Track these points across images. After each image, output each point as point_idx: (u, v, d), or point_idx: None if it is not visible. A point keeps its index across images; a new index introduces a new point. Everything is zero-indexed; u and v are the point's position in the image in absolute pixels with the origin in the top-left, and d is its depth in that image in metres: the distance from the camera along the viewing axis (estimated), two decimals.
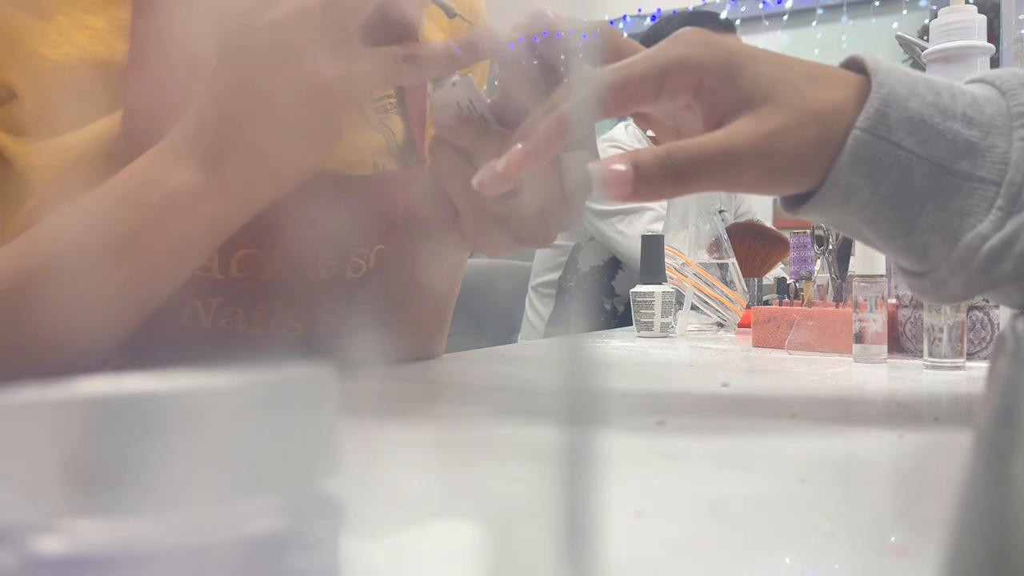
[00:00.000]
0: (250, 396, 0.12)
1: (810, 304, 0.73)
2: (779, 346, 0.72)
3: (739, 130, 0.34)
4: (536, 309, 1.64)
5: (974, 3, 0.66)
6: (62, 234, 0.41)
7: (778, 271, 1.22)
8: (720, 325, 0.94)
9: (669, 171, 0.34)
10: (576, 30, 0.41)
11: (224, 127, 0.39)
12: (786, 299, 0.79)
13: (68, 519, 0.11)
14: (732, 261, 0.97)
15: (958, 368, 0.54)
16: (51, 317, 0.39)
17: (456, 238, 0.45)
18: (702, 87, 0.35)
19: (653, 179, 0.34)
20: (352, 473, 0.15)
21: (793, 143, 0.34)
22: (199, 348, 0.49)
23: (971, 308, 0.59)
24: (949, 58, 0.64)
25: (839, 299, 0.73)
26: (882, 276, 0.60)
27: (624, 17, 3.25)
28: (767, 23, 3.06)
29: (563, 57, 0.40)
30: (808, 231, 0.79)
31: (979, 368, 0.55)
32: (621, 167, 0.34)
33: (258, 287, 0.50)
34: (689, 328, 0.93)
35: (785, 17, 3.04)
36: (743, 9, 3.06)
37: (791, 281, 0.80)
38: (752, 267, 1.07)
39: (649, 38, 1.49)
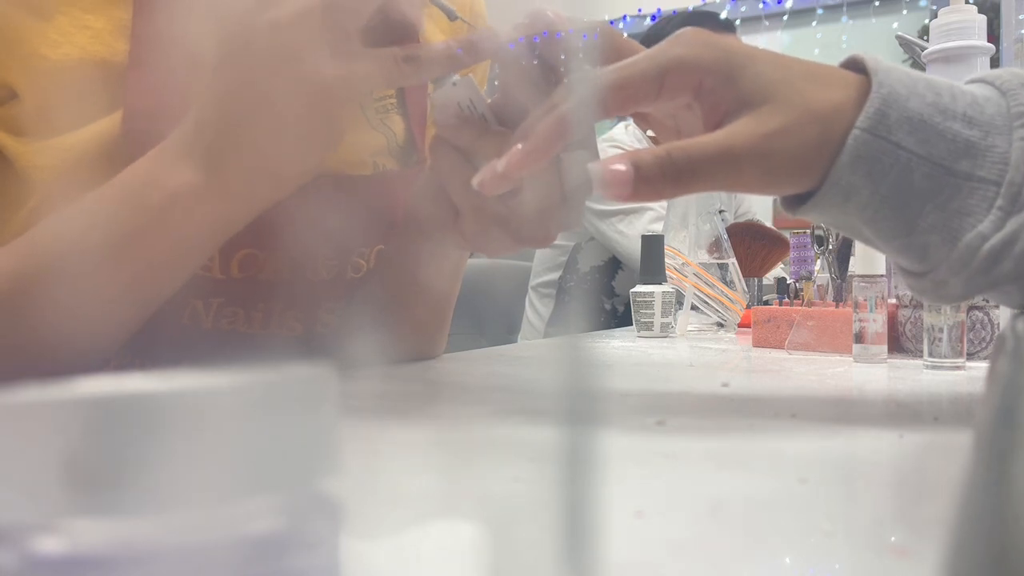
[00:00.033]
0: (250, 396, 0.12)
1: (810, 304, 0.73)
2: (779, 346, 0.72)
3: (739, 130, 0.34)
4: (536, 309, 1.64)
5: (974, 3, 0.66)
6: (63, 234, 0.41)
7: (778, 271, 1.22)
8: (720, 325, 0.94)
9: (669, 171, 0.34)
10: (576, 30, 0.41)
11: (224, 127, 0.39)
12: (786, 299, 0.79)
13: (68, 519, 0.11)
14: (732, 261, 0.97)
15: (958, 368, 0.54)
16: (52, 318, 0.39)
17: (456, 238, 0.45)
18: (702, 87, 0.35)
19: (653, 179, 0.34)
20: (352, 473, 0.15)
21: (793, 143, 0.34)
22: (199, 348, 0.49)
23: (971, 308, 0.59)
24: (949, 58, 0.64)
25: (839, 299, 0.73)
26: (882, 276, 0.60)
27: (624, 17, 3.25)
28: (767, 23, 3.06)
29: (563, 57, 0.40)
30: (808, 231, 0.79)
31: (979, 368, 0.55)
32: (621, 167, 0.34)
33: (258, 287, 0.50)
34: (689, 328, 0.93)
35: (785, 17, 3.04)
36: (743, 9, 3.06)
37: (791, 281, 0.80)
38: (752, 267, 1.07)
39: (649, 38, 1.49)
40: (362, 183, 0.54)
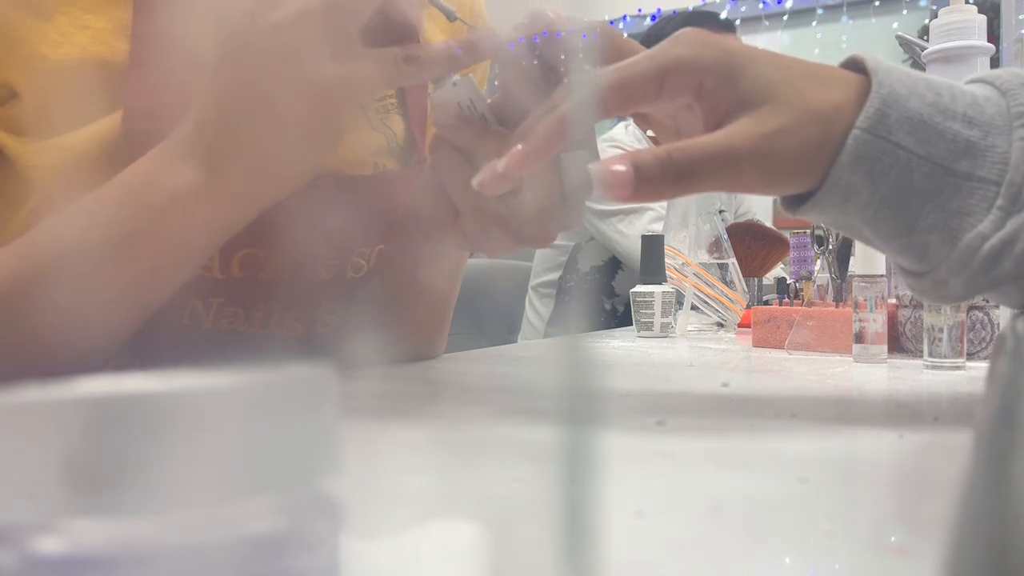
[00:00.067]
0: (250, 396, 0.12)
1: (810, 304, 0.73)
2: (779, 346, 0.72)
3: (739, 130, 0.34)
4: (536, 309, 1.64)
5: (974, 3, 0.66)
6: (63, 235, 0.41)
7: (778, 271, 1.22)
8: (720, 325, 0.94)
9: (670, 171, 0.34)
10: (576, 30, 0.41)
11: (224, 127, 0.39)
12: (786, 299, 0.79)
13: (68, 519, 0.11)
14: (732, 261, 0.97)
15: (958, 368, 0.54)
16: (51, 318, 0.39)
17: (456, 238, 0.45)
18: (702, 88, 0.35)
19: (653, 180, 0.34)
20: (352, 473, 0.15)
21: (793, 143, 0.34)
22: (199, 348, 0.49)
23: (971, 308, 0.59)
24: (949, 58, 0.64)
25: (839, 299, 0.73)
26: (882, 276, 0.60)
27: (624, 17, 3.25)
28: (767, 23, 3.06)
29: (563, 57, 0.40)
30: (808, 231, 0.79)
31: (979, 368, 0.55)
32: (621, 168, 0.34)
33: (258, 287, 0.50)
34: (689, 328, 0.93)
35: (785, 17, 3.04)
36: (743, 9, 3.06)
37: (791, 281, 0.80)
38: (752, 267, 1.07)
39: (649, 38, 1.49)
40: (362, 183, 0.54)
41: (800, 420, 0.37)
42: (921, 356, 0.56)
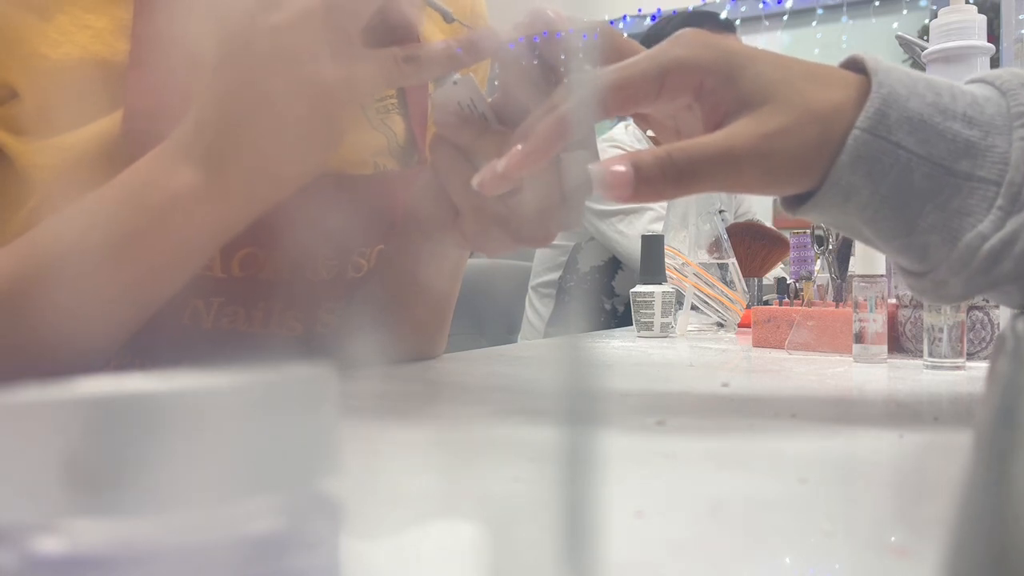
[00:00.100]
0: (250, 396, 0.12)
1: (810, 304, 0.73)
2: (779, 346, 0.72)
3: (739, 131, 0.34)
4: (536, 309, 1.64)
5: (974, 3, 0.66)
6: (63, 235, 0.41)
7: (778, 271, 1.22)
8: (720, 325, 0.94)
9: (670, 172, 0.34)
10: (576, 30, 0.41)
11: (224, 127, 0.39)
12: (786, 299, 0.79)
13: (68, 519, 0.11)
14: (732, 261, 0.97)
15: (958, 368, 0.54)
16: (52, 318, 0.39)
17: (456, 238, 0.45)
18: (702, 88, 0.35)
19: (654, 180, 0.34)
20: (352, 473, 0.15)
21: (793, 143, 0.34)
22: (199, 347, 0.49)
23: (971, 308, 0.59)
24: (949, 58, 0.64)
25: (839, 299, 0.73)
26: (882, 276, 0.60)
27: (624, 17, 3.25)
28: (767, 23, 3.06)
29: (563, 57, 0.40)
30: (808, 231, 0.79)
31: (979, 368, 0.55)
32: (621, 168, 0.34)
33: (259, 286, 0.50)
34: (689, 328, 0.93)
35: (785, 17, 3.04)
36: (743, 9, 3.06)
37: (791, 281, 0.80)
38: (752, 267, 1.07)
39: (649, 38, 1.49)
40: (363, 183, 0.54)
41: (800, 420, 0.37)
42: (921, 356, 0.56)
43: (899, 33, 0.87)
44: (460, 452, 0.32)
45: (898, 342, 0.64)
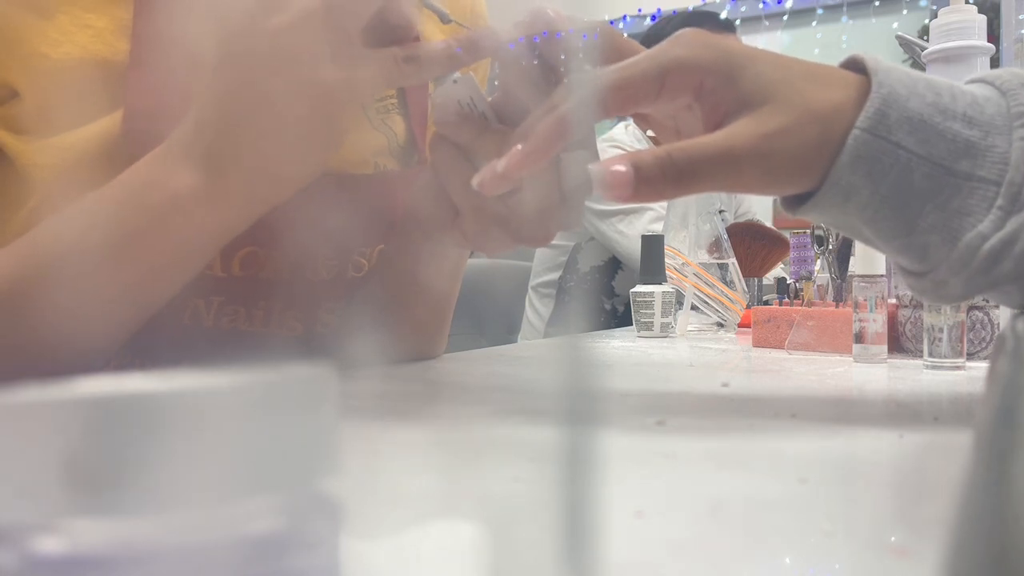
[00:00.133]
0: (250, 396, 0.12)
1: (810, 304, 0.73)
2: (779, 346, 0.72)
3: (739, 131, 0.34)
4: (536, 309, 1.64)
5: (974, 3, 0.66)
6: (63, 235, 0.41)
7: (778, 271, 1.22)
8: (720, 325, 0.94)
9: (670, 172, 0.34)
10: (576, 30, 0.41)
11: (224, 128, 0.39)
12: (786, 299, 0.79)
13: (68, 519, 0.11)
14: (732, 261, 0.97)
15: (958, 368, 0.54)
16: (52, 318, 0.39)
17: (456, 237, 0.45)
18: (702, 88, 0.35)
19: (654, 180, 0.34)
20: (352, 473, 0.15)
21: (793, 143, 0.34)
22: (200, 347, 0.49)
23: (971, 308, 0.59)
24: (949, 58, 0.64)
25: (839, 299, 0.73)
26: (882, 276, 0.60)
27: (624, 17, 3.25)
28: (767, 23, 3.06)
29: (563, 57, 0.40)
30: (808, 231, 0.79)
31: (979, 368, 0.55)
32: (622, 168, 0.34)
33: (259, 285, 0.50)
34: (689, 328, 0.93)
35: (785, 17, 3.04)
36: (743, 9, 3.06)
37: (791, 281, 0.80)
38: (752, 267, 1.07)
39: (649, 38, 1.49)
40: (363, 182, 0.54)
41: (800, 420, 0.37)
42: (921, 356, 0.56)
43: (899, 33, 0.87)
44: (460, 452, 0.32)
45: (898, 342, 0.64)
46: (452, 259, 0.57)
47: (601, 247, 1.54)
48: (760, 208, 2.01)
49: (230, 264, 0.48)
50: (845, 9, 2.92)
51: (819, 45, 2.94)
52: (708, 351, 0.74)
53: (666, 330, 0.89)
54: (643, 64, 0.36)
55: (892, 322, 0.64)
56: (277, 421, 0.12)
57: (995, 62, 0.78)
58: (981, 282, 0.34)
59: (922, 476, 0.29)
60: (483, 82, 0.61)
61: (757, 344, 0.75)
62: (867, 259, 0.61)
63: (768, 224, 1.38)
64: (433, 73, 0.42)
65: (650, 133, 0.43)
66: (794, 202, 0.37)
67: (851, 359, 0.62)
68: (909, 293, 0.63)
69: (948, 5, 0.65)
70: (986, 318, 0.60)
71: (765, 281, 1.15)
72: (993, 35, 0.70)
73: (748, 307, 0.92)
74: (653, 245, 0.91)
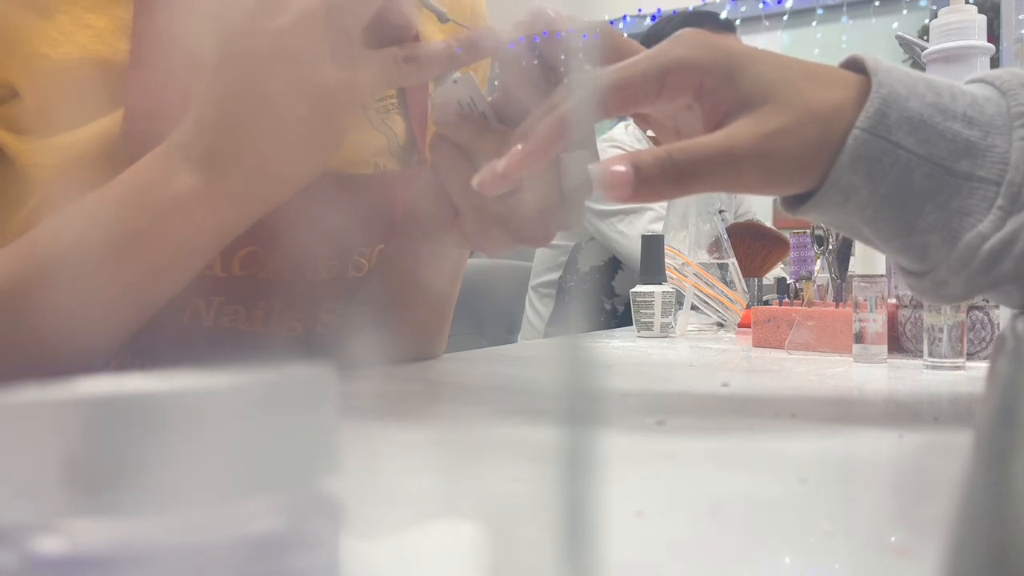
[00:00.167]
0: (250, 396, 0.12)
1: (810, 304, 0.73)
2: (779, 346, 0.72)
3: (739, 131, 0.34)
4: (536, 309, 1.64)
5: (974, 3, 0.66)
6: (63, 235, 0.41)
7: (778, 271, 1.22)
8: (720, 325, 0.94)
9: (670, 172, 0.34)
10: (576, 30, 0.41)
11: (224, 128, 0.39)
12: (786, 299, 0.79)
13: (68, 519, 0.11)
14: (732, 261, 0.97)
15: (958, 368, 0.54)
16: (52, 318, 0.39)
17: (456, 237, 0.45)
18: (702, 88, 0.35)
19: (654, 180, 0.34)
20: (352, 473, 0.15)
21: (793, 143, 0.34)
22: (200, 347, 0.49)
23: (971, 308, 0.59)
24: (949, 58, 0.64)
25: (839, 299, 0.73)
26: (882, 276, 0.60)
27: (624, 17, 3.25)
28: (767, 23, 3.06)
29: (563, 57, 0.40)
30: (808, 231, 0.79)
31: (979, 368, 0.55)
32: (622, 168, 0.34)
33: (259, 285, 0.50)
34: (689, 328, 0.93)
35: (785, 17, 3.04)
36: (743, 9, 3.06)
37: (791, 281, 0.80)
38: (752, 267, 1.07)
39: (649, 38, 1.49)
40: (363, 182, 0.54)
41: (800, 420, 0.37)
42: (921, 356, 0.56)
43: (899, 33, 0.87)
44: (460, 452, 0.32)
45: (898, 342, 0.64)
46: (452, 259, 0.57)
47: (601, 247, 1.54)
48: (760, 208, 2.01)
49: (230, 264, 0.48)
50: (845, 9, 2.92)
51: (819, 45, 2.94)
52: (708, 351, 0.74)
53: (666, 330, 0.89)
54: (643, 64, 0.36)
55: (892, 322, 0.64)
56: (277, 421, 0.12)
57: (995, 62, 0.78)
58: (981, 282, 0.34)
59: (922, 476, 0.29)
60: (483, 82, 0.61)
61: (757, 344, 0.75)
62: (867, 259, 0.61)
63: (768, 224, 1.38)
64: (433, 73, 0.42)
65: (650, 133, 0.43)
66: (794, 202, 0.37)
67: (851, 359, 0.61)
68: (909, 293, 0.63)
69: (948, 5, 0.65)
70: (986, 318, 0.60)
71: (765, 281, 1.15)
72: (993, 35, 0.70)
73: (748, 307, 0.92)
74: (653, 245, 0.91)
